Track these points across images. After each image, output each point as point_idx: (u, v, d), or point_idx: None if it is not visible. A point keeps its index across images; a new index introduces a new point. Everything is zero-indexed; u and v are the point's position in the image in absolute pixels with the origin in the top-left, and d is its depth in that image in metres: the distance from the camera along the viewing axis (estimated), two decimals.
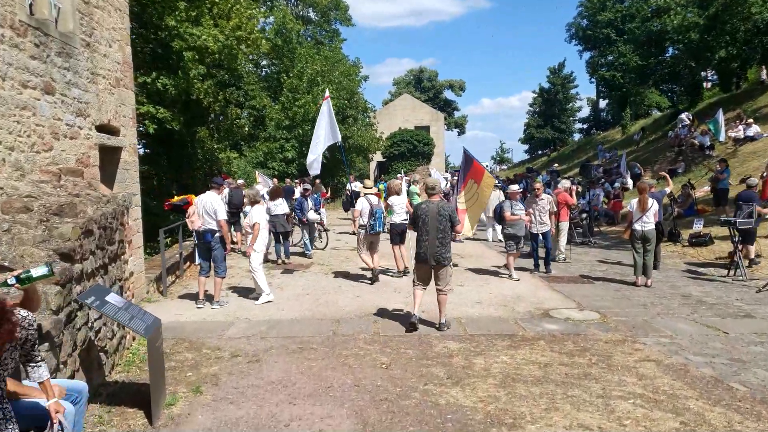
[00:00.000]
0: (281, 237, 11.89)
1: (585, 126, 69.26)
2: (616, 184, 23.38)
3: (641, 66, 39.51)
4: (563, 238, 11.71)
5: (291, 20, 30.28)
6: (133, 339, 6.53)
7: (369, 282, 10.12)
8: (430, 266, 7.33)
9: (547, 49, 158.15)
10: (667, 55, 36.19)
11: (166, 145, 16.56)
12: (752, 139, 22.60)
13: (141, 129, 13.86)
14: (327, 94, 12.88)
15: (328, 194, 19.89)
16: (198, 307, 8.36)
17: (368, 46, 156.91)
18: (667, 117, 36.99)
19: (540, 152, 71.75)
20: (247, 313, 8.09)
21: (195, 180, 17.89)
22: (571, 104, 70.78)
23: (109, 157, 7.99)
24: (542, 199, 10.80)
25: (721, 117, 23.74)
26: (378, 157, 40.47)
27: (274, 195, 11.94)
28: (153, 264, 10.10)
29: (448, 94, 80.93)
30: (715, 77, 44.74)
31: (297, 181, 22.74)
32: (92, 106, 7.15)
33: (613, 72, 44.06)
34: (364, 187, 11.36)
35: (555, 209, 11.34)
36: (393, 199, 10.77)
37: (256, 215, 8.80)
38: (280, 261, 12.02)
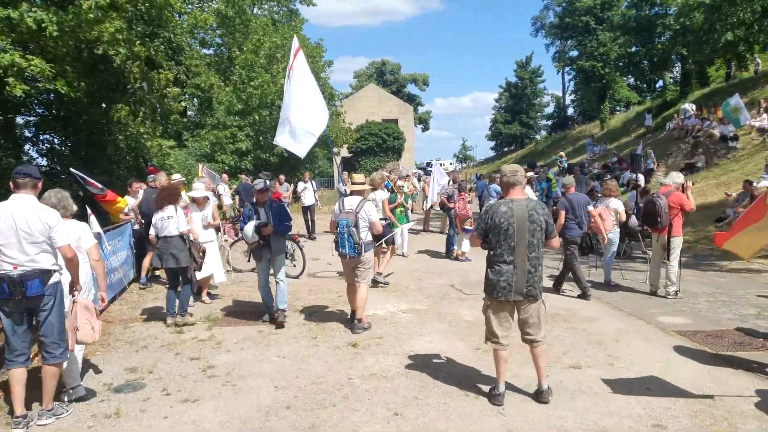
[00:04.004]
0: (171, 277, 6.93)
1: (549, 122, 67.04)
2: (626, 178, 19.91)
3: (625, 55, 36.86)
4: (675, 263, 7.77)
5: None
6: None
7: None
8: (512, 303, 4.32)
9: (503, 48, 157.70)
10: (657, 42, 33.41)
11: (68, 127, 11.96)
12: None
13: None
14: (297, 44, 8.66)
15: (287, 194, 15.37)
16: None
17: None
18: (657, 107, 34.16)
19: (507, 149, 69.06)
20: None
21: (114, 176, 13.33)
22: (539, 99, 68.40)
23: None
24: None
25: (738, 101, 20.77)
26: (343, 152, 36.16)
27: (161, 200, 6.96)
28: None
29: (412, 89, 77.41)
30: (676, 75, 43.16)
31: (250, 177, 18.37)
32: None
33: (593, 62, 41.23)
34: (352, 183, 7.24)
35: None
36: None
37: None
38: (172, 320, 6.84)
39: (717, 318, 6.75)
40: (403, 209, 10.93)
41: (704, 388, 4.68)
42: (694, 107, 26.78)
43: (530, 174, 15.38)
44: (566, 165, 26.95)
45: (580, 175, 16.49)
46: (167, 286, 7.08)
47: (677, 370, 5.09)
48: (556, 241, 4.34)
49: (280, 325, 6.61)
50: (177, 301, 6.88)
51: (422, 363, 5.36)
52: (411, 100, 71.18)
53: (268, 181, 7.32)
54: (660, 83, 45.44)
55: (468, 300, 7.86)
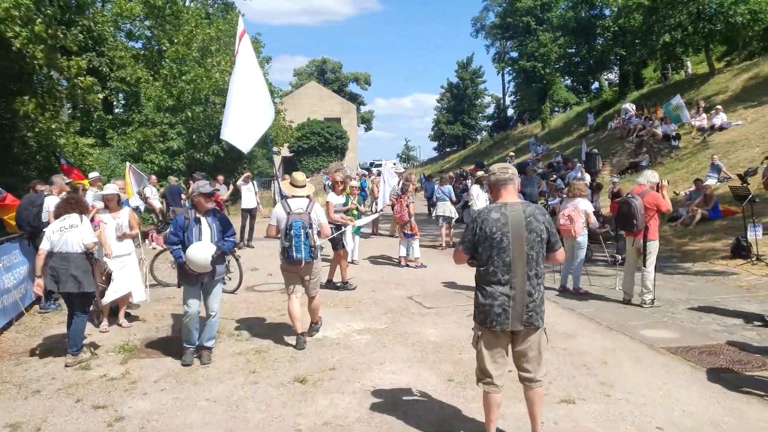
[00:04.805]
0: (71, 303, 5.54)
1: (490, 123, 67.74)
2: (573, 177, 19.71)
3: (565, 56, 37.32)
4: (651, 269, 7.15)
5: None
6: None
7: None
8: (508, 334, 3.38)
9: (443, 50, 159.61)
10: (596, 43, 33.89)
11: None
12: (721, 128, 19.97)
13: None
14: (242, 27, 7.61)
15: (225, 197, 13.95)
16: None
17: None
18: (597, 107, 34.71)
19: (449, 149, 69.21)
20: None
21: (22, 177, 11.68)
22: (480, 100, 68.95)
23: None
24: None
25: (679, 100, 21.10)
26: (284, 151, 34.72)
27: (65, 205, 5.74)
28: None
29: (354, 88, 76.37)
30: (612, 77, 44.50)
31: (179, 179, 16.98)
32: None
33: (533, 62, 41.62)
34: (291, 184, 6.24)
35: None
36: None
37: None
38: (72, 359, 5.47)
39: (703, 330, 6.15)
40: (357, 212, 9.95)
41: (722, 424, 3.97)
42: (634, 107, 27.20)
43: (480, 173, 14.74)
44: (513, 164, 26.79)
45: (533, 174, 16.00)
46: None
47: (682, 399, 4.38)
48: (561, 255, 3.49)
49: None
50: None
51: (387, 403, 4.39)
52: (353, 99, 70.07)
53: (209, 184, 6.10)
54: (596, 85, 46.55)
55: (430, 315, 6.98)
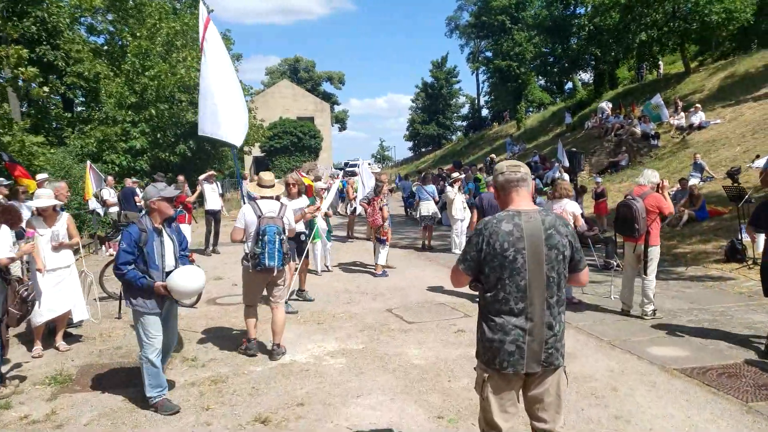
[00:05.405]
0: None
1: (465, 123, 67.52)
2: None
3: (540, 55, 37.08)
4: (652, 277, 6.56)
5: None
6: None
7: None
8: (522, 376, 2.65)
9: (417, 50, 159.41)
10: (572, 42, 33.66)
11: None
12: (699, 127, 19.75)
13: None
14: (205, 14, 6.94)
15: (192, 199, 12.82)
16: None
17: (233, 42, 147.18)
18: (573, 107, 34.49)
19: (425, 149, 68.72)
20: None
21: None
22: (455, 100, 68.67)
23: None
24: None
25: (659, 99, 20.92)
26: (255, 150, 33.66)
27: None
28: None
29: (327, 87, 75.37)
30: (586, 77, 44.68)
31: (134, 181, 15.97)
32: None
33: (509, 62, 41.32)
34: (259, 185, 5.63)
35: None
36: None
37: None
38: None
39: (715, 346, 5.54)
40: (324, 217, 9.15)
41: None
42: (611, 105, 26.99)
43: (456, 174, 14.12)
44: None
45: None
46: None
47: None
48: (585, 276, 2.79)
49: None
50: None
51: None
52: (327, 98, 69.09)
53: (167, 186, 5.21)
54: (569, 85, 46.55)
55: (412, 332, 6.25)
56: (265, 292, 5.52)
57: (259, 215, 5.26)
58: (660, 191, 6.49)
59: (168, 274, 4.31)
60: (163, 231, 4.42)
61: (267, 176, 5.68)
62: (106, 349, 5.92)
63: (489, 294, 2.62)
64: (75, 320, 6.33)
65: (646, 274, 6.46)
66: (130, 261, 4.23)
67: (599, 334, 6.02)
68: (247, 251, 5.31)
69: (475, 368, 2.82)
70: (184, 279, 4.24)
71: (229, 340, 6.07)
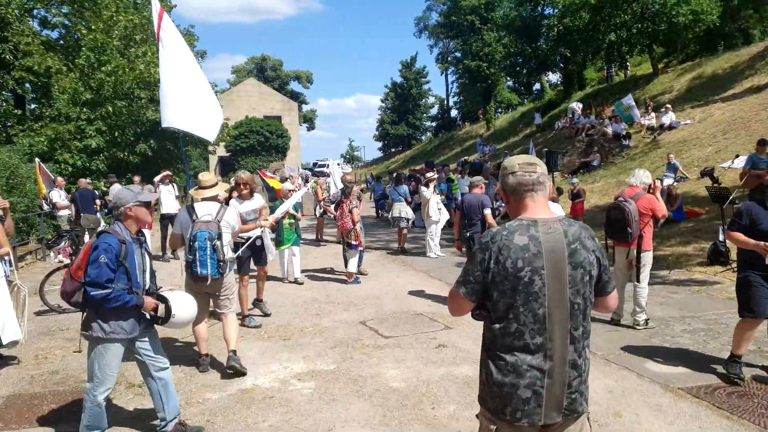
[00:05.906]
0: None
1: (434, 124, 67.47)
2: None
3: (510, 55, 37.03)
4: (645, 284, 6.15)
5: None
6: None
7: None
8: (538, 428, 2.03)
9: (386, 51, 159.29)
10: (541, 42, 33.65)
11: None
12: (670, 127, 19.77)
13: None
14: (158, 6, 6.42)
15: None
16: None
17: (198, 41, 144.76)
18: (542, 108, 34.51)
19: (394, 150, 68.34)
20: None
21: None
22: (424, 100, 68.49)
23: None
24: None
25: (630, 100, 20.88)
26: (220, 150, 32.63)
27: None
28: None
29: (295, 86, 74.30)
30: (554, 78, 45.09)
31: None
32: None
33: (478, 62, 41.17)
34: (199, 187, 5.13)
35: None
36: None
37: None
38: None
39: (717, 361, 5.12)
40: (293, 221, 8.49)
41: None
42: (581, 106, 26.96)
43: (430, 174, 13.63)
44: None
45: (490, 175, 15.04)
46: None
47: None
48: (614, 300, 2.24)
49: None
50: None
51: None
52: (295, 97, 68.02)
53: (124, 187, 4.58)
54: (537, 86, 46.78)
55: (389, 347, 5.68)
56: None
57: (193, 219, 4.82)
58: (652, 192, 6.08)
59: (146, 292, 3.69)
60: (141, 242, 3.72)
61: (205, 176, 5.22)
62: (39, 375, 5.18)
63: (498, 325, 2.06)
64: (5, 342, 5.55)
65: (639, 281, 6.04)
66: (113, 278, 3.45)
67: (592, 348, 5.52)
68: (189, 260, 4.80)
69: (477, 416, 2.26)
70: (184, 309, 3.79)
71: (182, 360, 5.38)
